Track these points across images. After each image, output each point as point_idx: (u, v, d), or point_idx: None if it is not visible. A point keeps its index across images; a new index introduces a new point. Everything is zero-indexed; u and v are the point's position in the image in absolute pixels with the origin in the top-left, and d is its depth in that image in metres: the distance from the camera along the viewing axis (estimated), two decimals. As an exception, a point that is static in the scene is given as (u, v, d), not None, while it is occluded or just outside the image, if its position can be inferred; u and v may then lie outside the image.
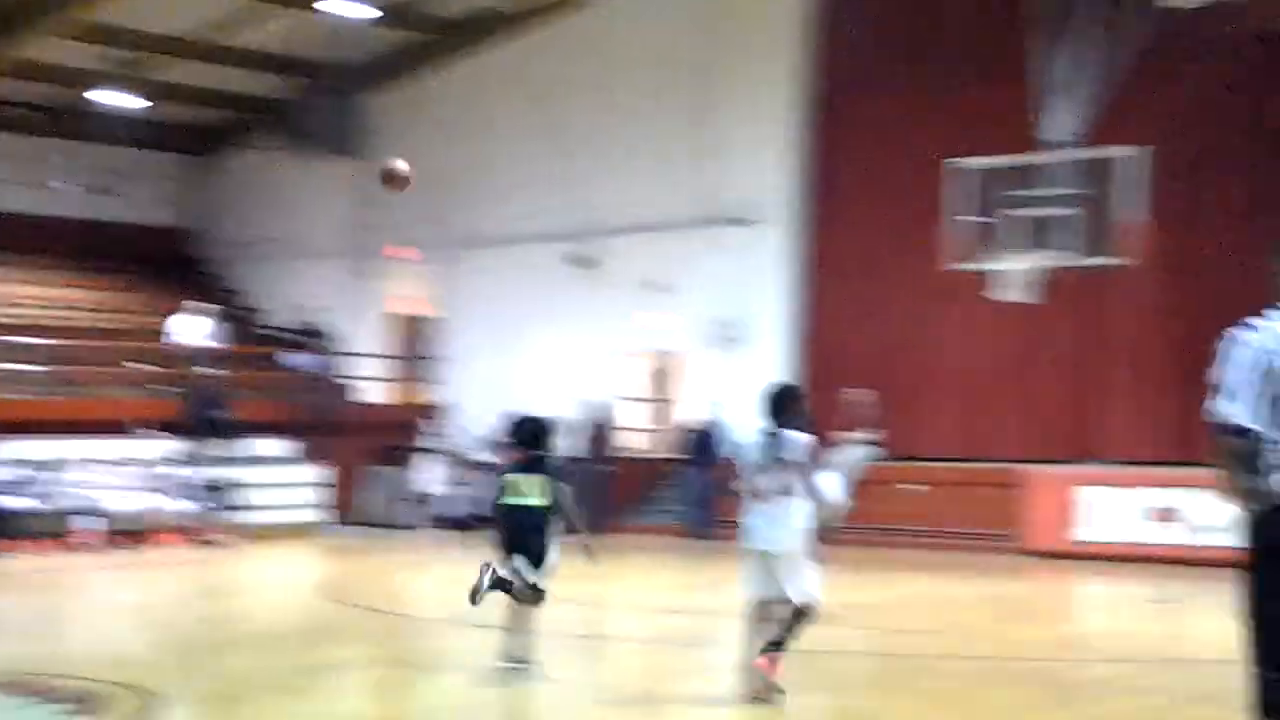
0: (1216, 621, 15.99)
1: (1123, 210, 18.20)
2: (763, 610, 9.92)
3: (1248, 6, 20.88)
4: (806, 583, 9.83)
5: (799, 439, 9.91)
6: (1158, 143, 21.55)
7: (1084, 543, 19.65)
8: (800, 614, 9.83)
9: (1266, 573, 5.51)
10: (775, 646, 9.80)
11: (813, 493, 9.90)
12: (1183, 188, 21.60)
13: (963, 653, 12.15)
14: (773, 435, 9.93)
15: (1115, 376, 22.09)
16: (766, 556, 9.84)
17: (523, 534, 10.55)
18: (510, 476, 10.71)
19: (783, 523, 9.79)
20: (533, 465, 10.62)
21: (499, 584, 10.40)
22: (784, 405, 10.06)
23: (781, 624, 9.83)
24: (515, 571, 10.49)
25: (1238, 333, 5.42)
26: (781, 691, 9.74)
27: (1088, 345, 22.39)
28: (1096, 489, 19.93)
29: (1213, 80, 21.53)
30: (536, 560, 10.53)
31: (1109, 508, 19.79)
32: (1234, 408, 5.27)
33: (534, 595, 10.54)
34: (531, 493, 10.55)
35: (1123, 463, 20.98)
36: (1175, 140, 21.67)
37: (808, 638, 13.41)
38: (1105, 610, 15.98)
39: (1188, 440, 21.34)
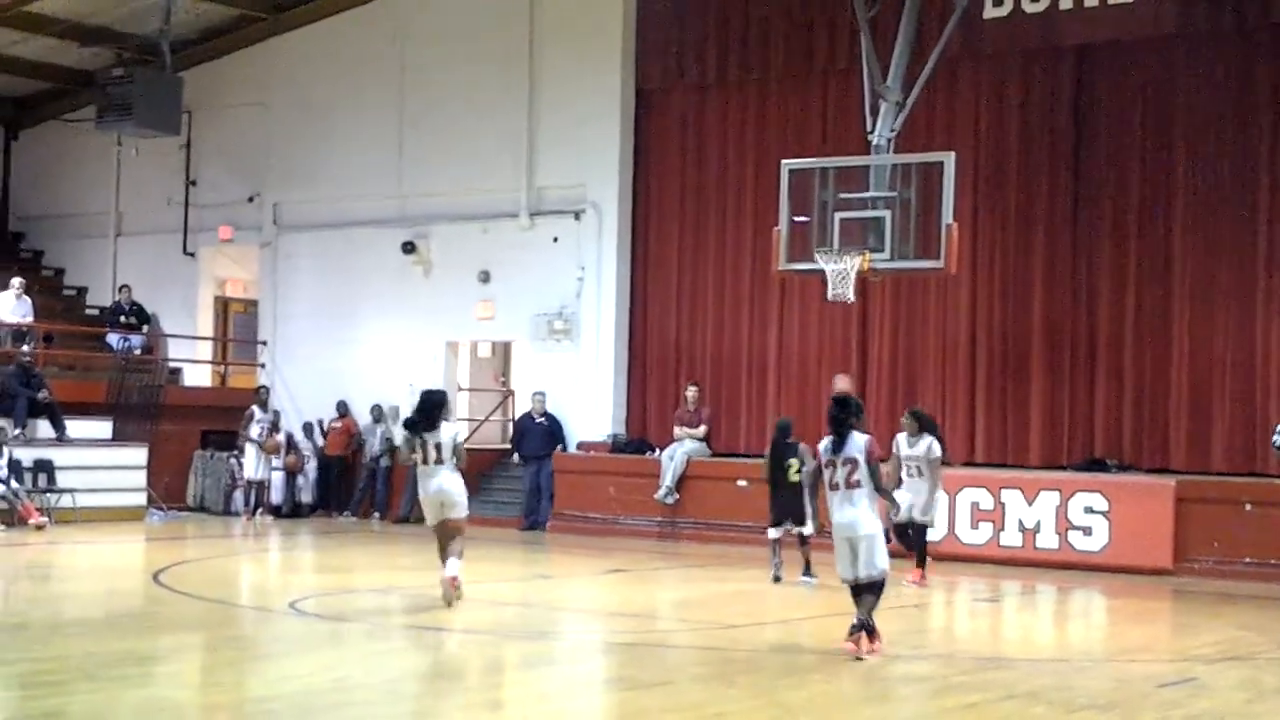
0: (1037, 621, 16.62)
1: (940, 213, 18.60)
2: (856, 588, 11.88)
3: (1062, 19, 21.46)
4: (878, 559, 11.71)
5: (862, 438, 11.81)
6: (979, 147, 22.16)
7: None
8: (873, 588, 11.75)
9: None
10: (863, 627, 11.70)
11: (875, 483, 11.79)
12: (1003, 192, 22.18)
13: (785, 647, 12.34)
14: (842, 436, 11.76)
15: (938, 378, 22.56)
16: (848, 540, 11.72)
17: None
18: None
19: (856, 509, 11.68)
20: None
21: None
22: (851, 411, 11.90)
23: (861, 605, 11.73)
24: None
25: None
26: (864, 657, 11.65)
27: (911, 346, 22.83)
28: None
29: (1034, 87, 22.12)
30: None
31: (936, 507, 20.15)
32: None
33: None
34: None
35: (949, 464, 21.43)
36: (997, 145, 22.26)
37: (637, 633, 13.68)
38: (929, 608, 16.32)
39: (1010, 442, 21.97)
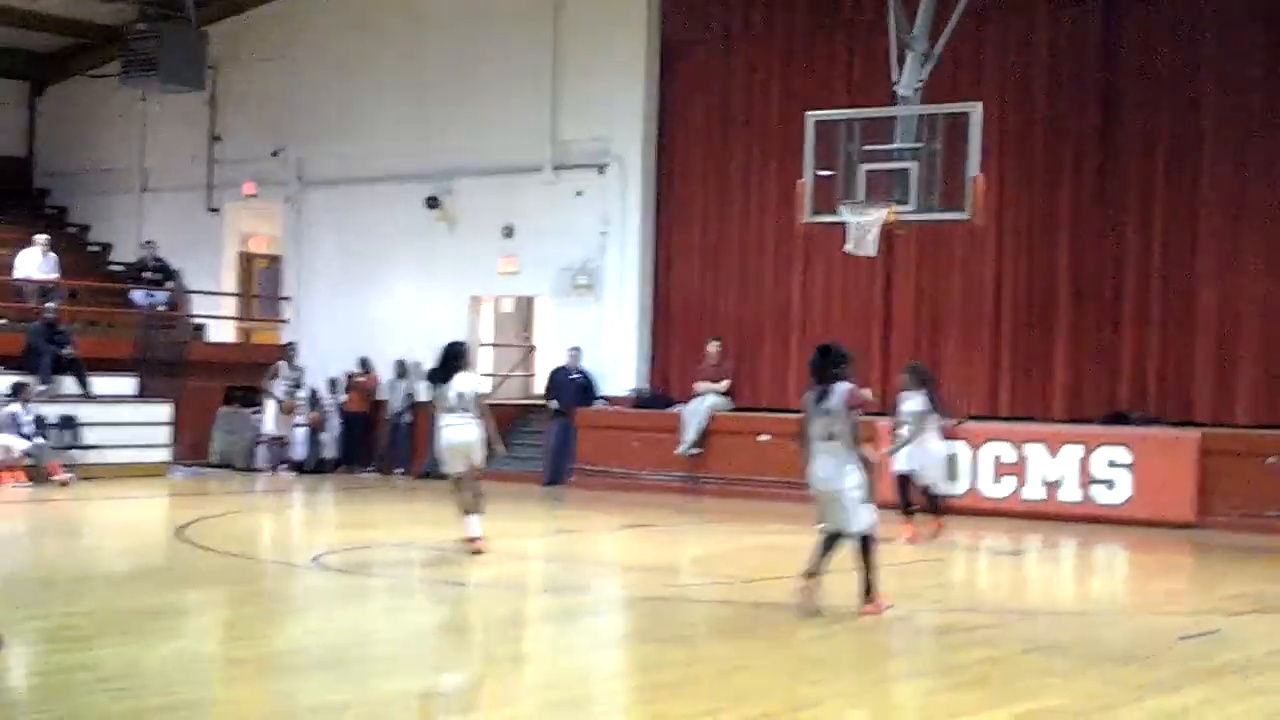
0: (1059, 574, 16.62)
1: (967, 165, 18.52)
2: (830, 539, 11.52)
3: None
4: (862, 513, 11.37)
5: (843, 388, 11.37)
6: (1006, 98, 22.00)
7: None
8: (866, 544, 11.42)
9: None
10: (868, 590, 11.45)
11: (854, 436, 11.35)
12: (1030, 143, 22.05)
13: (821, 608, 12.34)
14: (825, 386, 11.37)
15: (962, 331, 22.49)
16: (824, 494, 11.44)
17: None
18: None
19: (835, 463, 11.34)
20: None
21: None
22: (833, 360, 11.50)
23: (859, 565, 11.45)
24: None
25: None
26: (891, 606, 11.58)
27: (934, 299, 22.77)
28: (949, 443, 20.20)
29: (1062, 34, 21.95)
30: None
31: (961, 461, 20.14)
32: None
33: None
34: None
35: (974, 418, 21.34)
36: (1024, 96, 22.12)
37: (659, 587, 13.71)
38: (956, 562, 16.34)
39: (1034, 395, 21.92)
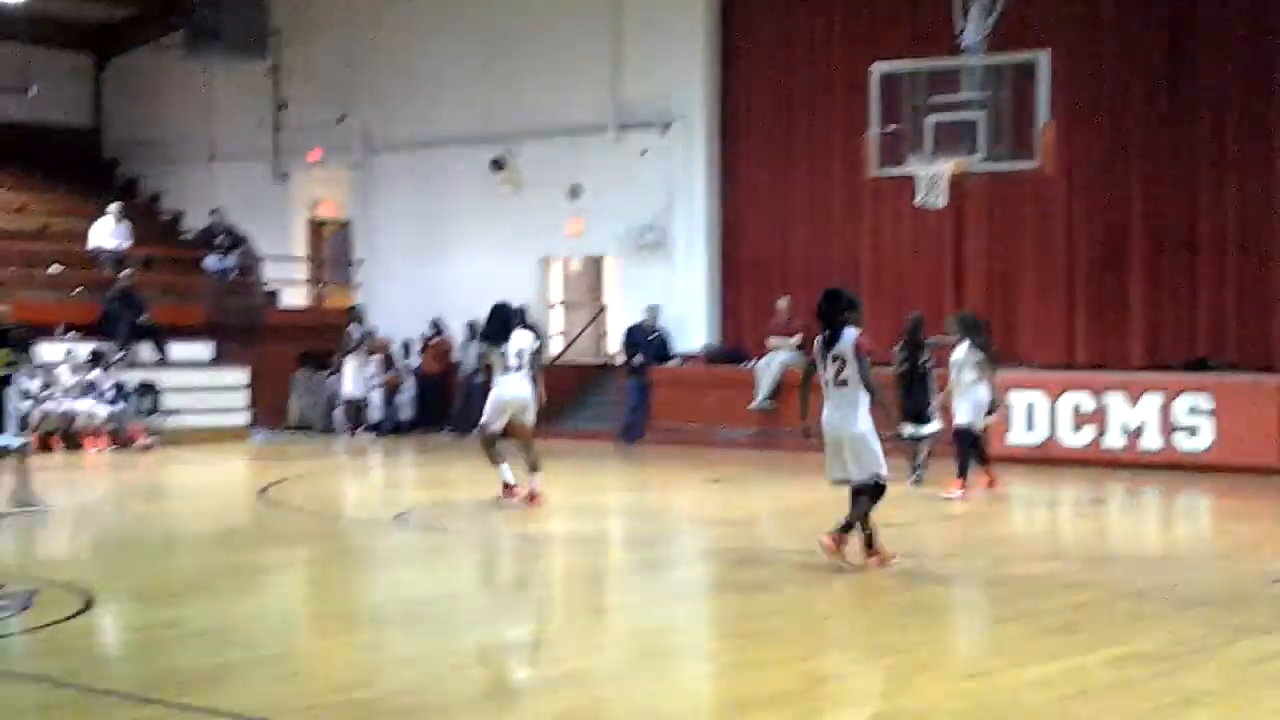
0: (1144, 522, 16.49)
1: (1035, 113, 18.31)
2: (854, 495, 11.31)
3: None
4: (868, 460, 11.15)
5: (849, 334, 11.16)
6: (1072, 42, 21.68)
7: (1013, 446, 19.76)
8: (874, 491, 11.22)
9: None
10: (848, 528, 11.26)
11: (864, 381, 11.13)
12: (1099, 89, 21.76)
13: (897, 553, 12.29)
14: (830, 333, 11.19)
15: (1036, 282, 22.27)
16: (833, 440, 11.23)
17: None
18: None
19: (844, 409, 11.15)
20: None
21: None
22: (842, 305, 11.32)
23: (854, 506, 11.25)
24: None
25: None
26: (850, 563, 11.19)
27: (1006, 249, 22.55)
28: (1024, 393, 20.04)
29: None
30: None
31: (1037, 411, 19.98)
32: None
33: None
34: None
35: (1045, 367, 21.13)
36: (1092, 44, 21.82)
37: (740, 539, 13.69)
38: (1037, 511, 16.23)
39: (1111, 344, 21.70)
